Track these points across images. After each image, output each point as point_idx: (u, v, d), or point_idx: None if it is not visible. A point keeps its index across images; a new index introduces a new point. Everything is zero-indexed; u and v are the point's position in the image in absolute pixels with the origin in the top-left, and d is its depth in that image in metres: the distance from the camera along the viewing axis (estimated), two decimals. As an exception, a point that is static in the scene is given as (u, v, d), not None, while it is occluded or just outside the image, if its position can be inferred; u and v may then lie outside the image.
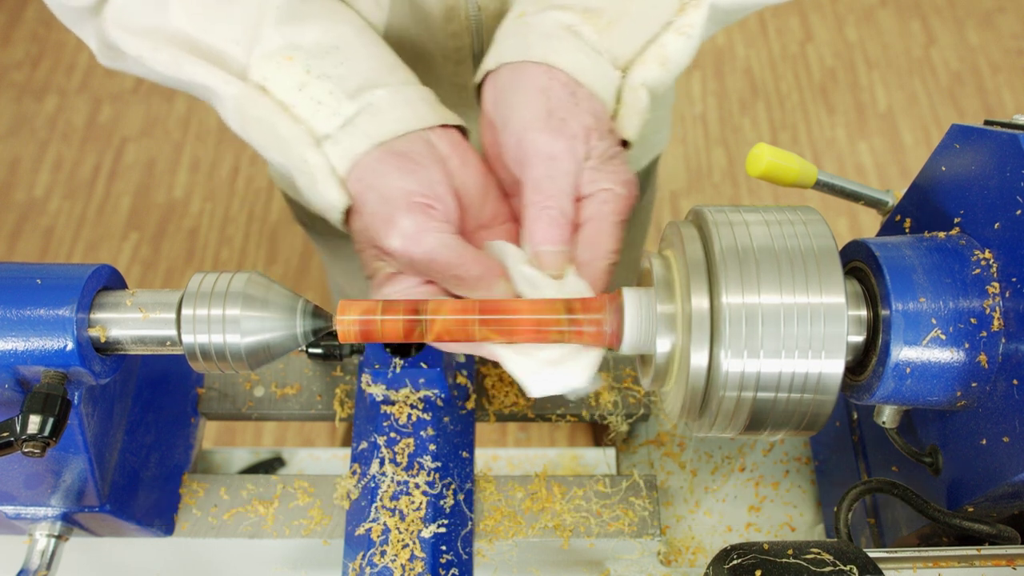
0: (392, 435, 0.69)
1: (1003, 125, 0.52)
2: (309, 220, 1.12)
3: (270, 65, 0.60)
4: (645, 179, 1.22)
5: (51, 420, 0.48)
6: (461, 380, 0.74)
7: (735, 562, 0.46)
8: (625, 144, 0.62)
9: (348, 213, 0.59)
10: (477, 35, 0.77)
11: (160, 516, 0.70)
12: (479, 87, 0.64)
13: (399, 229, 0.54)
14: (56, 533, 0.65)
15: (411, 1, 0.74)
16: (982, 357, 0.48)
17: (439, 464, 0.68)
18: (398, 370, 0.69)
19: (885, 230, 0.62)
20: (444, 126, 0.62)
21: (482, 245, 0.60)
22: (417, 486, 0.67)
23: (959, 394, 0.50)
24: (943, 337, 0.49)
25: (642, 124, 0.62)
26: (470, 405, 0.74)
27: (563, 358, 0.53)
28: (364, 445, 0.70)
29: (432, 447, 0.69)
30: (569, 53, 0.59)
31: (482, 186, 0.61)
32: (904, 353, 0.49)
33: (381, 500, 0.66)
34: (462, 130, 0.63)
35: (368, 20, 0.73)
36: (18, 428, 0.48)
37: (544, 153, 0.56)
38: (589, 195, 0.57)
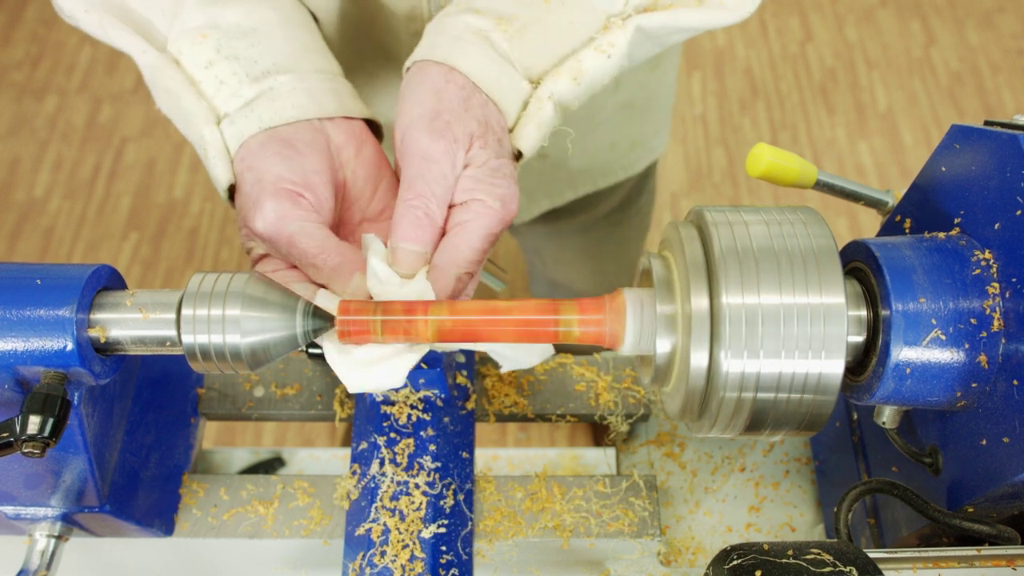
0: (392, 435, 0.69)
1: (1003, 125, 0.51)
2: None
3: (185, 41, 0.62)
4: (643, 183, 1.22)
5: (51, 420, 0.48)
6: (461, 380, 0.74)
7: (735, 562, 0.46)
8: (519, 156, 0.61)
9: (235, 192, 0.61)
10: None
11: (160, 516, 0.70)
12: None
13: (263, 213, 0.56)
14: (56, 533, 0.65)
15: (373, 2, 0.74)
16: (982, 357, 0.48)
17: (439, 464, 0.68)
18: (398, 370, 0.69)
19: (885, 230, 0.62)
20: (347, 118, 0.62)
21: (360, 237, 0.61)
22: (417, 486, 0.67)
23: (959, 394, 0.50)
24: (943, 337, 0.49)
25: (541, 137, 0.61)
26: (470, 405, 0.74)
27: (379, 359, 0.54)
28: (364, 445, 0.70)
29: (432, 447, 0.68)
30: (473, 57, 0.59)
31: (372, 178, 0.62)
32: (904, 353, 0.49)
33: (381, 500, 0.66)
34: (373, 124, 0.64)
35: (313, 7, 0.73)
36: (18, 428, 0.48)
37: (422, 153, 0.56)
38: (462, 203, 0.57)
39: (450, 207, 0.57)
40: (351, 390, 0.56)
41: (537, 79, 0.62)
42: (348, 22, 0.77)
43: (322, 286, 0.58)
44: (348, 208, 0.62)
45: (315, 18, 0.74)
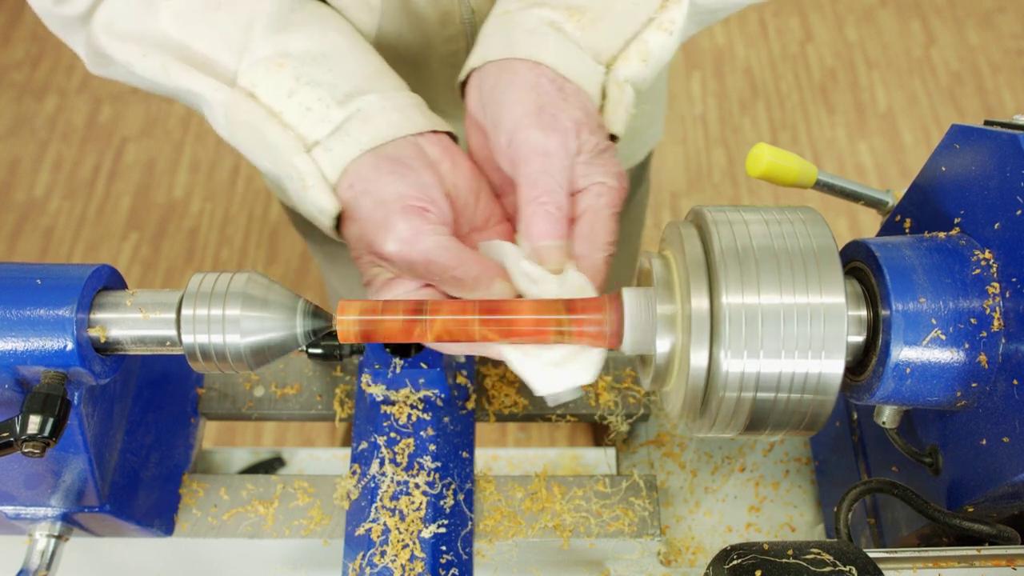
0: (392, 435, 0.69)
1: (1003, 125, 0.51)
2: (306, 227, 1.12)
3: (259, 71, 0.60)
4: (639, 174, 1.22)
5: (51, 420, 0.48)
6: (461, 380, 0.74)
7: (735, 562, 0.46)
8: (613, 138, 0.62)
9: (339, 220, 0.59)
10: (471, 38, 0.78)
11: (160, 516, 0.70)
12: (463, 85, 0.64)
13: (395, 233, 0.54)
14: (56, 533, 0.65)
15: (406, 8, 0.74)
16: (982, 357, 0.48)
17: (439, 464, 0.68)
18: (398, 370, 0.69)
19: (885, 230, 0.62)
20: (434, 132, 0.62)
21: (476, 247, 0.60)
22: (417, 486, 0.67)
23: (959, 394, 0.50)
24: (943, 337, 0.49)
25: (628, 118, 0.62)
26: (470, 405, 0.74)
27: (567, 358, 0.53)
28: (364, 445, 0.70)
29: (432, 447, 0.68)
30: (554, 49, 0.59)
31: (474, 188, 0.61)
32: (904, 353, 0.49)
33: (381, 500, 0.66)
34: (451, 135, 0.64)
35: (359, 27, 0.73)
36: (18, 428, 0.48)
37: (538, 149, 0.56)
38: (583, 189, 0.57)
39: (572, 194, 0.57)
40: (540, 392, 0.54)
41: (607, 63, 0.62)
42: (381, 31, 0.76)
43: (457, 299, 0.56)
44: (456, 220, 0.61)
45: None
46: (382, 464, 0.68)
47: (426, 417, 0.70)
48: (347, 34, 0.66)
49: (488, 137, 0.60)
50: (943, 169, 0.55)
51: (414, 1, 0.73)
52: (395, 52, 0.79)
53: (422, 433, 0.69)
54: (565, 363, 0.53)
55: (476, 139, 0.63)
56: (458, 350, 0.57)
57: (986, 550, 0.51)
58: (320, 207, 0.58)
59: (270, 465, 1.12)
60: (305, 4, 0.66)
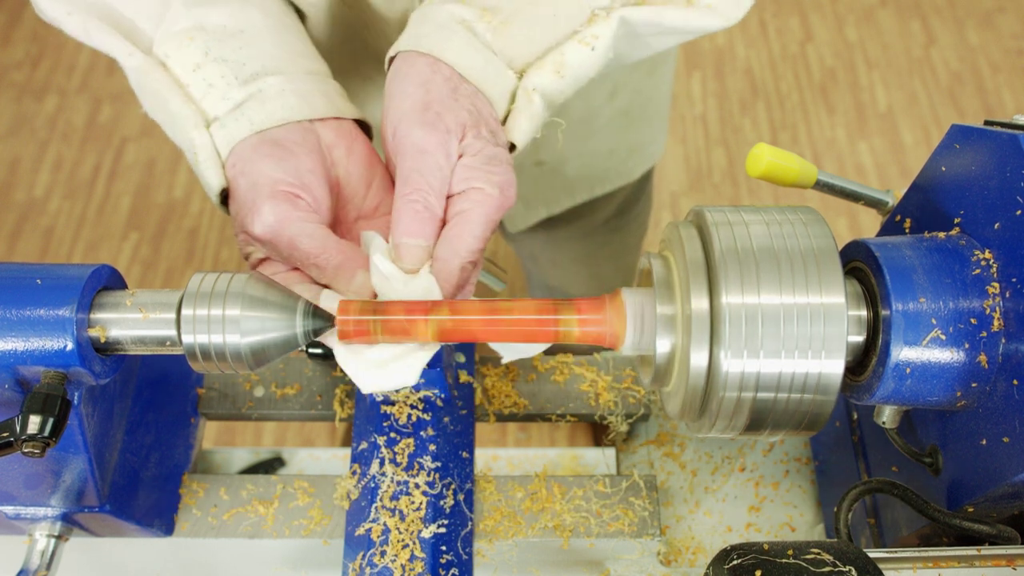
0: (392, 435, 0.69)
1: (1003, 125, 0.51)
2: None
3: (172, 43, 0.61)
4: (640, 189, 1.22)
5: (51, 420, 0.48)
6: (462, 380, 0.75)
7: (735, 562, 0.46)
8: (512, 148, 0.61)
9: (228, 197, 0.61)
10: None
11: (160, 516, 0.70)
12: None
13: (261, 216, 0.55)
14: (56, 533, 0.65)
15: (363, 4, 0.74)
16: (982, 357, 0.48)
17: (439, 464, 0.68)
18: (398, 370, 0.69)
19: (885, 230, 0.62)
20: (337, 118, 0.62)
21: (358, 236, 0.61)
22: (417, 486, 0.67)
23: (959, 394, 0.50)
24: (943, 337, 0.49)
25: (532, 129, 0.61)
26: (470, 405, 0.74)
27: (394, 358, 0.54)
28: (364, 445, 0.70)
29: (432, 447, 0.68)
30: (458, 47, 0.59)
31: (366, 177, 0.62)
32: (904, 353, 0.49)
33: (381, 500, 0.66)
34: (363, 124, 0.64)
35: (313, 18, 0.73)
36: (18, 428, 0.48)
37: (416, 146, 0.56)
38: (460, 193, 0.56)
39: (448, 197, 0.57)
40: (365, 391, 0.55)
41: (520, 71, 0.61)
42: (341, 27, 0.77)
43: (325, 286, 0.57)
44: (343, 207, 0.62)
45: (303, 19, 0.74)
46: (382, 464, 0.68)
47: (426, 417, 0.70)
48: (271, 14, 0.65)
49: (383, 127, 0.61)
50: (943, 169, 0.55)
51: (371, 2, 0.73)
52: (362, 45, 0.79)
53: (422, 433, 0.69)
54: (389, 363, 0.55)
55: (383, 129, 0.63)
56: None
57: (986, 550, 0.51)
58: (207, 182, 0.59)
59: (270, 465, 1.12)
60: None
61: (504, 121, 0.61)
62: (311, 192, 0.58)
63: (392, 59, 0.62)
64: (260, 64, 0.62)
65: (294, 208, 0.56)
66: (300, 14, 0.73)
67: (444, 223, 0.57)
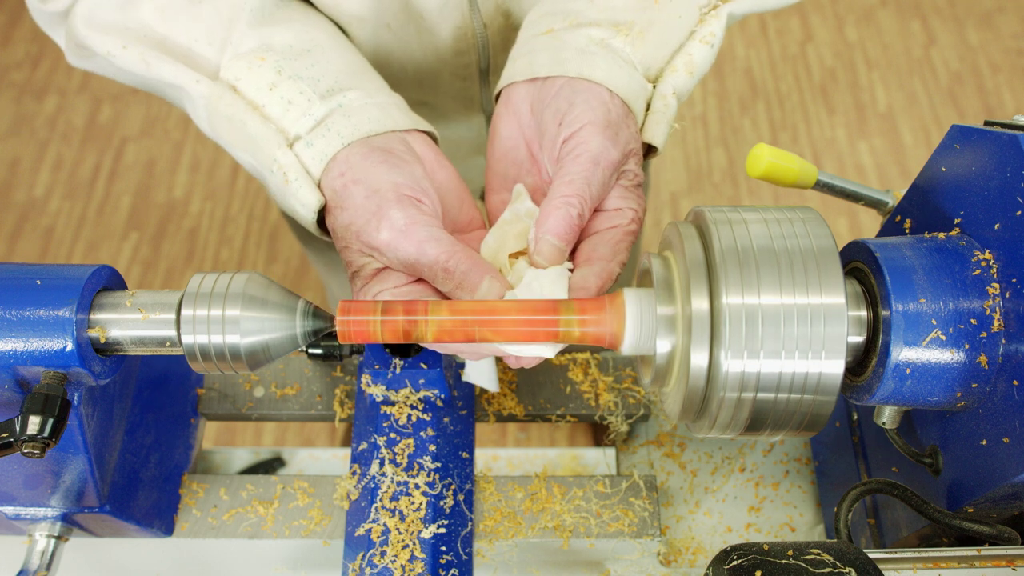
0: (392, 435, 0.69)
1: (1003, 126, 0.52)
2: (307, 236, 1.12)
3: (242, 65, 0.60)
4: None
5: (51, 421, 0.48)
6: (462, 380, 0.74)
7: (735, 563, 0.46)
8: (652, 151, 0.63)
9: (321, 214, 0.59)
10: (483, 51, 0.78)
11: (160, 516, 0.70)
12: (498, 95, 0.65)
13: (389, 221, 0.54)
14: (56, 534, 0.65)
15: (416, 23, 0.74)
16: (982, 358, 0.48)
17: (439, 464, 0.68)
18: (398, 371, 0.69)
19: (885, 230, 0.62)
20: (417, 131, 0.62)
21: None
22: (417, 486, 0.67)
23: (959, 395, 0.50)
24: (943, 338, 0.49)
25: (670, 131, 0.63)
26: (471, 405, 0.74)
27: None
28: (364, 445, 0.70)
29: (432, 447, 0.68)
30: (604, 68, 0.60)
31: (456, 190, 0.61)
32: (904, 354, 0.49)
33: (381, 501, 0.66)
34: (433, 137, 0.64)
35: (353, 36, 0.73)
36: (18, 429, 0.48)
37: (592, 155, 0.56)
38: (616, 209, 0.58)
39: (597, 210, 0.58)
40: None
41: (654, 77, 0.63)
42: (383, 46, 0.76)
43: (445, 297, 0.56)
44: (442, 218, 0.60)
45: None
46: (382, 464, 0.68)
47: (426, 417, 0.70)
48: (330, 33, 0.66)
49: (536, 139, 0.61)
50: (943, 169, 0.55)
51: (425, 17, 0.73)
52: (403, 64, 0.79)
53: (422, 433, 0.69)
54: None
55: (506, 143, 0.63)
56: (455, 349, 0.57)
57: (986, 550, 0.51)
58: (302, 201, 0.58)
59: (270, 465, 1.12)
60: (288, 2, 0.66)
61: (641, 128, 0.62)
62: (430, 197, 0.57)
63: (515, 83, 0.62)
64: (334, 80, 0.61)
65: (420, 212, 0.55)
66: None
67: (582, 233, 0.58)
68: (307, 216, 0.59)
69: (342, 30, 0.71)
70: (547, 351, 0.54)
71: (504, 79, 0.64)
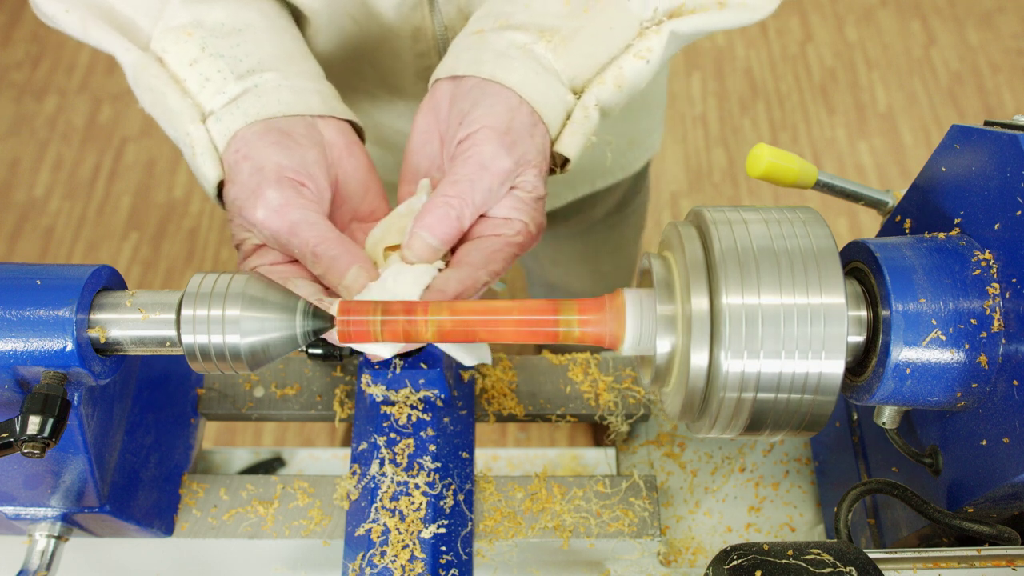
0: (392, 436, 0.69)
1: (1003, 126, 0.52)
2: None
3: (169, 38, 0.62)
4: (639, 182, 1.23)
5: (51, 421, 0.48)
6: (462, 380, 0.74)
7: (735, 563, 0.46)
8: (565, 163, 0.62)
9: (222, 188, 0.61)
10: (444, 53, 0.78)
11: (160, 516, 0.70)
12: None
13: (265, 200, 0.56)
14: (56, 534, 0.65)
15: (377, 22, 0.75)
16: (982, 358, 0.48)
17: (439, 465, 0.68)
18: (398, 371, 0.69)
19: (885, 230, 0.62)
20: (335, 118, 0.63)
21: (357, 237, 0.61)
22: (417, 487, 0.67)
23: (959, 395, 0.50)
24: (943, 338, 0.49)
25: (586, 143, 0.62)
26: (471, 405, 0.74)
27: None
28: (364, 445, 0.70)
29: (432, 448, 0.68)
30: (521, 73, 0.59)
31: (363, 180, 0.62)
32: (904, 354, 0.49)
33: (381, 501, 0.66)
34: (356, 128, 0.65)
35: (326, 32, 0.73)
36: (18, 429, 0.48)
37: (481, 160, 0.56)
38: (504, 219, 0.58)
39: (484, 216, 0.58)
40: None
41: (580, 88, 0.62)
42: (344, 40, 0.77)
43: (317, 280, 0.57)
44: (339, 207, 0.62)
45: (304, 26, 0.74)
46: (382, 464, 0.68)
47: (426, 417, 0.70)
48: (268, 15, 0.66)
49: (442, 137, 0.61)
50: (943, 169, 0.55)
51: (384, 16, 0.74)
52: (370, 61, 0.79)
53: (422, 433, 0.69)
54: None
55: (422, 136, 0.63)
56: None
57: (986, 550, 0.51)
58: (204, 174, 0.60)
59: (270, 465, 1.12)
60: None
61: (555, 139, 0.62)
62: (315, 183, 0.58)
63: (444, 79, 0.62)
64: (257, 60, 0.62)
65: (298, 195, 0.56)
66: (300, 22, 0.73)
67: (464, 237, 0.58)
68: (209, 190, 0.61)
69: (301, 17, 0.72)
70: (384, 351, 0.56)
71: (433, 75, 0.64)
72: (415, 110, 0.84)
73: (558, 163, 0.63)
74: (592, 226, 1.23)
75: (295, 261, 0.59)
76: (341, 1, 0.72)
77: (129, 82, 0.65)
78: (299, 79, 0.63)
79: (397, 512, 0.66)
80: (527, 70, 0.60)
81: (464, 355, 0.67)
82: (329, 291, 0.58)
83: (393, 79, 0.82)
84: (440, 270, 0.57)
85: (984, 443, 0.50)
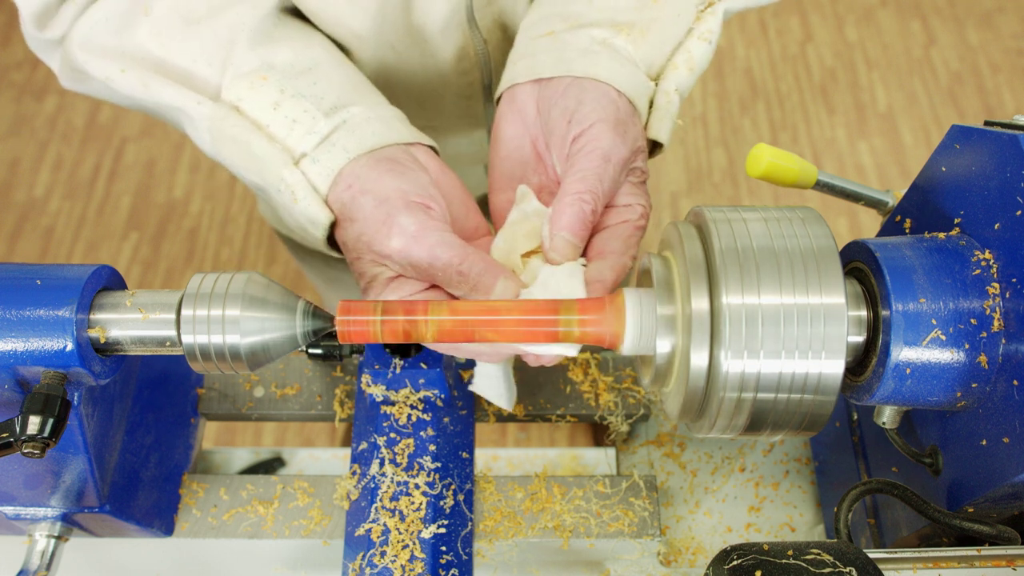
0: (392, 435, 0.69)
1: (1003, 126, 0.52)
2: (303, 253, 1.12)
3: (243, 84, 0.60)
4: None
5: (51, 421, 0.48)
6: (462, 380, 0.74)
7: (735, 563, 0.46)
8: (657, 147, 0.64)
9: (331, 230, 0.59)
10: (485, 68, 0.79)
11: (160, 516, 0.70)
12: (499, 98, 0.65)
13: (399, 228, 0.54)
14: (56, 534, 0.65)
15: (420, 47, 0.74)
16: (982, 358, 0.48)
17: (439, 464, 0.68)
18: (398, 371, 0.69)
19: (885, 230, 0.62)
20: (421, 144, 0.62)
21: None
22: (417, 486, 0.67)
23: (959, 395, 0.50)
24: (943, 338, 0.49)
25: (673, 127, 0.64)
26: (471, 405, 0.74)
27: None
28: (364, 445, 0.70)
29: (432, 447, 0.68)
30: (608, 67, 0.61)
31: (461, 199, 0.62)
32: (904, 354, 0.49)
33: (381, 501, 0.66)
34: (435, 150, 0.64)
35: (368, 60, 0.73)
36: (18, 429, 0.48)
37: (604, 152, 0.56)
38: (626, 205, 0.59)
39: (609, 205, 0.59)
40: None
41: (656, 75, 0.64)
42: (386, 68, 0.76)
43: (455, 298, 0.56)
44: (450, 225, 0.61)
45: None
46: (382, 464, 0.68)
47: (426, 417, 0.70)
48: (329, 50, 0.66)
49: (542, 138, 0.61)
50: (943, 169, 0.55)
51: (428, 37, 0.73)
52: (407, 87, 0.79)
53: (422, 433, 0.69)
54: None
55: (511, 143, 0.63)
56: (474, 352, 0.58)
57: (986, 550, 0.51)
58: (311, 218, 0.58)
59: (270, 465, 1.12)
60: (287, 20, 0.66)
61: (645, 125, 0.63)
62: (438, 204, 0.57)
63: (527, 83, 0.62)
64: (336, 96, 0.61)
65: (429, 218, 0.55)
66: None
67: (596, 229, 0.58)
68: (317, 233, 0.59)
69: (343, 49, 0.71)
70: (569, 350, 0.54)
71: (505, 82, 0.64)
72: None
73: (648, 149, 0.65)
74: None
75: (432, 287, 0.57)
76: (388, 30, 0.71)
77: (198, 138, 0.63)
78: (380, 109, 0.62)
79: (397, 512, 0.66)
80: (613, 63, 0.61)
81: (501, 398, 0.70)
82: None
83: (433, 101, 0.82)
84: (583, 265, 0.57)
85: (984, 443, 0.50)
